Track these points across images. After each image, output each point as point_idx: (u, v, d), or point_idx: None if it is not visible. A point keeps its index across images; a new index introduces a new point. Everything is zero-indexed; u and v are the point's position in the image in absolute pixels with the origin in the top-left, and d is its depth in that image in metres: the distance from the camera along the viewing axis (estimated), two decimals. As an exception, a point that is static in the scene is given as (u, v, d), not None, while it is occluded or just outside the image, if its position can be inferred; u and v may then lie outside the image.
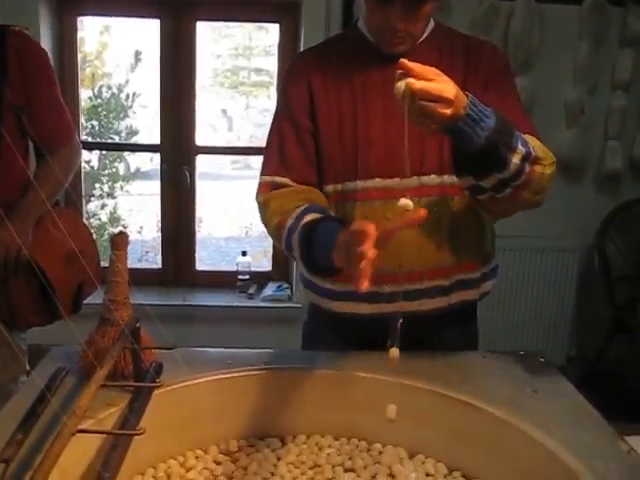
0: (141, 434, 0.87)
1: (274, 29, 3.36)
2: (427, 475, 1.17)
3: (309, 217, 1.28)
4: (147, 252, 4.23)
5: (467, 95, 1.10)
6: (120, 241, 1.22)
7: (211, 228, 5.38)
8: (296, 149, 1.41)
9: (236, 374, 1.27)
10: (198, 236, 3.60)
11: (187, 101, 3.33)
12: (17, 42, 1.84)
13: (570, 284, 3.41)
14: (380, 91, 1.37)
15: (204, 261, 4.64)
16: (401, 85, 1.04)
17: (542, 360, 1.39)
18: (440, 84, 1.05)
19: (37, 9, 2.98)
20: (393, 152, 1.35)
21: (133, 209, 4.51)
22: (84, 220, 3.25)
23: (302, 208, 1.31)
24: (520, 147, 1.18)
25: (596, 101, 3.30)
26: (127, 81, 4.01)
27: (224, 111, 4.66)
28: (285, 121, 1.43)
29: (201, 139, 3.45)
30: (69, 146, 1.94)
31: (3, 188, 1.82)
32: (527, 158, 1.20)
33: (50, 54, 2.09)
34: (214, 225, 5.46)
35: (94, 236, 2.16)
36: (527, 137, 1.27)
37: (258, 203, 1.43)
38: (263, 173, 1.44)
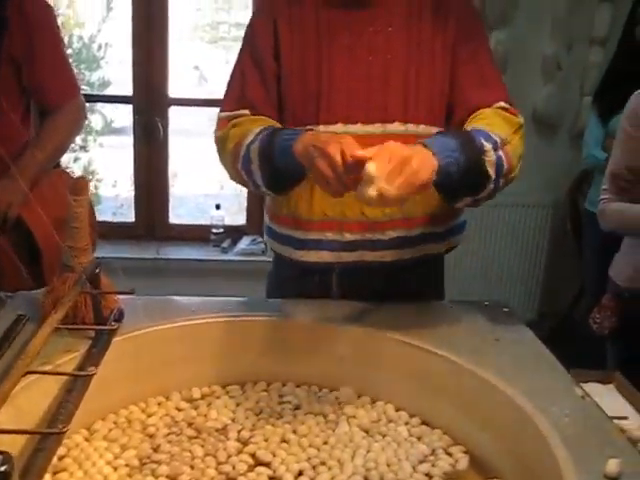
0: (91, 375, 0.87)
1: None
2: (389, 422, 1.18)
3: (271, 130, 1.27)
4: (122, 206, 4.18)
5: (426, 145, 1.10)
6: (80, 186, 1.20)
7: (189, 185, 5.33)
8: (258, 89, 1.38)
9: (199, 321, 1.27)
10: (176, 193, 3.56)
11: (160, 52, 3.26)
12: None
13: (543, 240, 3.43)
14: (345, 34, 1.35)
15: (183, 218, 4.60)
16: (371, 192, 1.00)
17: (506, 310, 1.40)
18: (410, 175, 1.03)
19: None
20: (356, 96, 1.34)
21: (107, 163, 4.44)
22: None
23: (262, 127, 1.29)
24: (485, 143, 1.19)
25: (573, 56, 3.28)
26: (99, 31, 3.92)
27: (196, 67, 4.61)
28: (249, 62, 1.40)
29: (176, 94, 3.39)
30: (72, 104, 1.85)
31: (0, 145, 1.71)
32: (498, 147, 1.21)
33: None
34: (192, 182, 5.41)
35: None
36: (489, 116, 1.28)
37: (216, 139, 1.39)
38: (222, 110, 1.40)
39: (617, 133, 1.83)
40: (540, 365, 1.17)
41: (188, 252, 3.34)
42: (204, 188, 5.39)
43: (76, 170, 4.17)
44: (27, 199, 1.70)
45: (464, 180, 1.17)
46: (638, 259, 1.79)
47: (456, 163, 1.12)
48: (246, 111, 1.37)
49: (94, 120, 4.28)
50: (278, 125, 1.35)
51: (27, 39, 1.73)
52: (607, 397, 1.25)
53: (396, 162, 1.02)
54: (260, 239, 3.39)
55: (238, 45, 1.46)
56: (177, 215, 3.64)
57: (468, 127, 1.25)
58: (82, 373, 0.90)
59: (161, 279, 3.20)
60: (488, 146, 1.18)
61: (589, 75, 3.28)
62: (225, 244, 3.36)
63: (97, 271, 1.15)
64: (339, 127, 1.34)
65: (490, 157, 1.18)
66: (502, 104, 1.33)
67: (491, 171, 1.19)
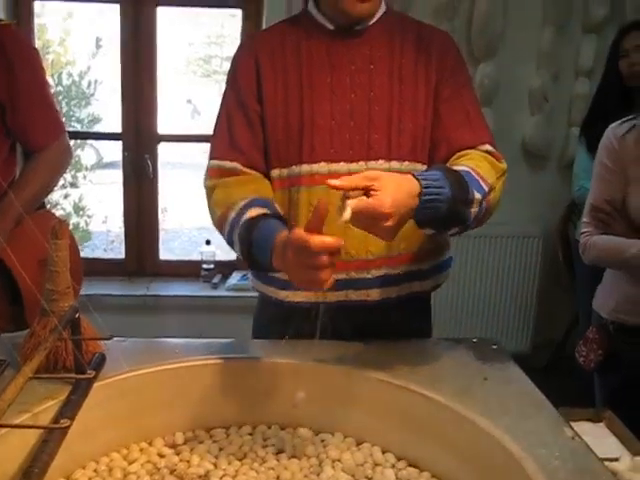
0: (65, 428, 0.85)
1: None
2: (375, 465, 1.16)
3: (251, 212, 1.26)
4: (112, 242, 4.17)
5: (418, 180, 1.09)
6: (60, 229, 1.18)
7: (182, 218, 5.33)
8: (245, 133, 1.38)
9: (183, 364, 1.25)
10: (169, 227, 3.55)
11: (149, 88, 3.28)
12: (1, 36, 1.72)
13: (534, 271, 3.42)
14: (327, 73, 1.35)
15: (175, 252, 4.58)
16: (342, 209, 1.01)
17: (494, 347, 1.38)
18: (376, 199, 1.02)
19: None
20: (339, 134, 1.33)
21: (98, 199, 4.45)
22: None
23: (245, 201, 1.28)
24: (477, 195, 1.18)
25: (559, 88, 3.31)
26: (89, 68, 3.95)
27: (189, 101, 4.65)
28: (234, 104, 1.40)
29: (169, 127, 3.40)
30: (55, 146, 1.82)
31: None
32: (484, 199, 1.21)
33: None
34: (185, 215, 5.42)
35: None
36: (476, 159, 1.28)
37: (205, 188, 1.40)
38: (212, 157, 1.41)
39: (594, 167, 1.83)
40: (529, 405, 1.15)
41: (178, 288, 3.32)
42: (196, 221, 5.40)
43: (67, 206, 4.16)
44: (11, 241, 1.68)
45: (440, 223, 1.17)
46: (620, 291, 1.78)
47: (437, 213, 1.11)
48: (235, 164, 1.37)
49: (85, 156, 4.28)
50: (264, 187, 1.36)
51: (9, 81, 1.72)
52: (598, 436, 1.23)
53: (374, 217, 1.02)
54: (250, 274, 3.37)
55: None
56: (169, 249, 3.64)
57: (459, 166, 1.24)
58: (55, 426, 0.87)
59: (152, 316, 3.18)
60: (478, 197, 1.18)
61: (576, 106, 3.31)
62: (216, 279, 3.34)
63: (77, 316, 1.13)
64: (322, 166, 1.34)
65: (474, 209, 1.18)
66: (488, 147, 1.33)
67: (469, 221, 1.20)
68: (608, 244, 1.74)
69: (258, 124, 1.39)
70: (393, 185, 1.04)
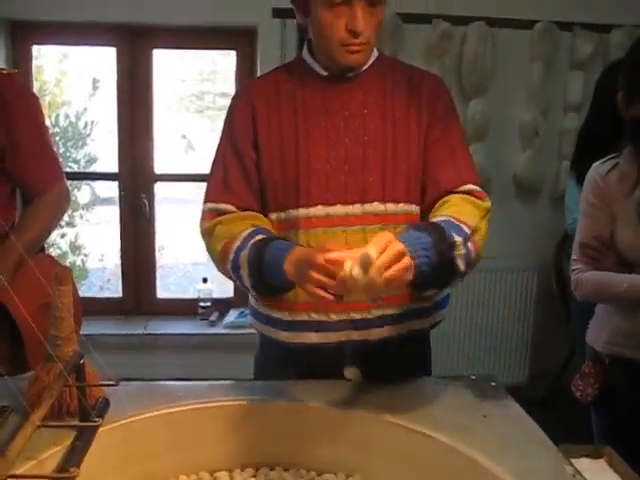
0: (73, 478, 0.86)
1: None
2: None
3: (258, 237, 1.29)
4: (109, 280, 4.18)
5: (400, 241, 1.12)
6: (64, 276, 1.20)
7: (177, 254, 5.33)
8: (240, 179, 1.41)
9: (185, 408, 1.25)
10: (164, 263, 3.56)
11: (145, 129, 3.32)
12: (1, 83, 1.76)
13: (529, 303, 3.44)
14: (322, 118, 1.38)
15: (170, 288, 4.58)
16: (361, 277, 1.02)
17: (493, 384, 1.39)
18: (399, 271, 1.06)
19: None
20: (335, 178, 1.36)
21: (94, 236, 4.47)
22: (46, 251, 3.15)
23: (250, 230, 1.31)
24: (457, 238, 1.21)
25: (549, 123, 3.36)
26: (85, 109, 3.99)
27: (183, 136, 4.69)
28: (229, 150, 1.43)
29: (164, 165, 3.43)
30: (54, 191, 1.85)
31: None
32: (467, 240, 1.23)
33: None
34: (180, 250, 5.42)
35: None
36: (459, 204, 1.31)
37: (202, 230, 1.41)
38: (206, 200, 1.43)
39: (581, 204, 1.86)
40: (529, 442, 1.16)
41: (176, 326, 3.33)
42: (192, 257, 5.40)
43: (63, 245, 4.17)
44: (12, 285, 1.69)
45: (435, 276, 1.18)
46: (612, 324, 1.79)
47: (429, 262, 1.14)
48: (230, 206, 1.39)
49: (80, 195, 4.31)
50: (263, 223, 1.38)
51: (9, 128, 1.75)
52: (598, 474, 1.24)
53: (391, 254, 1.04)
54: (248, 311, 3.38)
55: (223, 114, 1.49)
56: (165, 285, 3.64)
57: (439, 217, 1.27)
58: (62, 476, 0.88)
59: (150, 355, 3.19)
60: (459, 239, 1.21)
61: (566, 140, 3.35)
62: (213, 317, 3.35)
63: (82, 362, 1.14)
64: (319, 209, 1.36)
65: (460, 251, 1.21)
66: (470, 187, 1.36)
67: (462, 265, 1.22)
68: (599, 281, 1.76)
69: (253, 171, 1.41)
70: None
